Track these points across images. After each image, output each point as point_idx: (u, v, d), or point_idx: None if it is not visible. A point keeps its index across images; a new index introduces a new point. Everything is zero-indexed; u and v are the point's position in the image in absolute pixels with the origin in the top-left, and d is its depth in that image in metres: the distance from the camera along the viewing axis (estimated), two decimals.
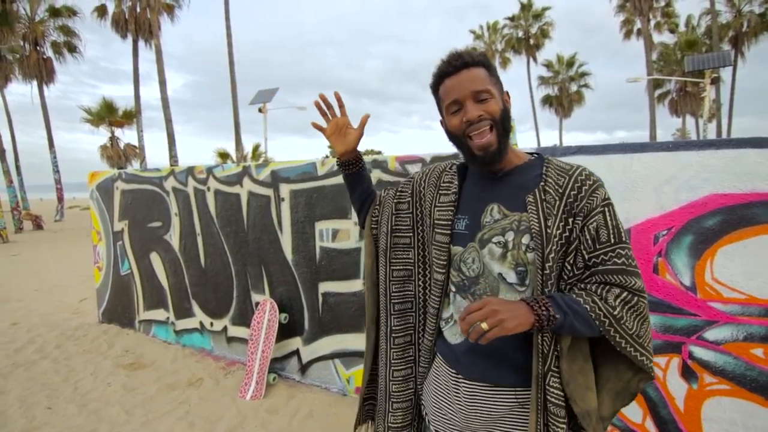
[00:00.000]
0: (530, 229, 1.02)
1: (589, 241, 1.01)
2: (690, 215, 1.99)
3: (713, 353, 1.99)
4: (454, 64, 1.06)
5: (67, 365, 3.77)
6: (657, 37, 25.64)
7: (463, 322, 0.92)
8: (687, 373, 2.05)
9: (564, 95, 29.07)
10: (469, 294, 1.09)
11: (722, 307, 1.96)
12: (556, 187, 1.04)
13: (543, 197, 1.03)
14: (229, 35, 20.25)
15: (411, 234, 1.24)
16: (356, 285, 3.01)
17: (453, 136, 1.11)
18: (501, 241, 1.05)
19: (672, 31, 25.96)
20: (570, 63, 29.14)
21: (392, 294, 1.24)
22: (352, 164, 1.30)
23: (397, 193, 1.29)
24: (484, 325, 0.89)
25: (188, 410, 2.99)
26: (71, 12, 20.00)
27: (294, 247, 3.29)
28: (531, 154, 1.15)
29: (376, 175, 2.87)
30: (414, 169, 2.75)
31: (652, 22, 24.69)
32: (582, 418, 1.00)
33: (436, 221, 1.15)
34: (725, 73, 23.13)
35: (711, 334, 1.99)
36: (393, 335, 1.23)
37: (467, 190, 1.16)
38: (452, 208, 1.14)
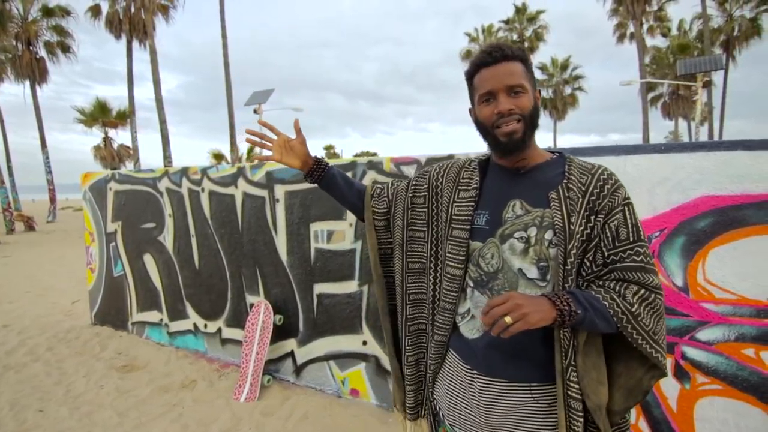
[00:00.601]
0: (553, 225, 1.03)
1: (610, 239, 1.03)
2: (682, 217, 2.01)
3: (705, 353, 2.01)
4: (494, 55, 1.07)
5: (59, 368, 3.73)
6: (650, 41, 25.92)
7: (485, 317, 0.92)
8: (680, 374, 2.07)
9: (558, 98, 29.24)
10: (487, 289, 1.10)
11: (714, 308, 1.98)
12: (579, 185, 1.06)
13: (566, 194, 1.05)
14: (224, 36, 20.20)
15: (425, 228, 1.25)
16: (351, 286, 3.01)
17: (481, 126, 1.12)
18: (523, 237, 1.05)
19: (664, 35, 26.24)
20: (564, 66, 29.33)
21: (407, 285, 1.27)
22: (315, 170, 1.31)
23: (412, 187, 1.30)
24: (508, 319, 0.89)
25: (182, 413, 2.97)
26: (64, 12, 19.89)
27: (289, 249, 3.28)
28: (552, 152, 1.17)
29: (371, 176, 2.87)
30: (409, 170, 2.76)
31: (645, 26, 24.93)
32: (594, 412, 1.02)
33: (454, 217, 1.15)
34: (717, 77, 23.40)
35: (703, 335, 2.01)
36: (408, 323, 1.28)
37: (488, 186, 1.16)
38: (472, 204, 1.14)
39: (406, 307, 1.28)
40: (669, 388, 2.09)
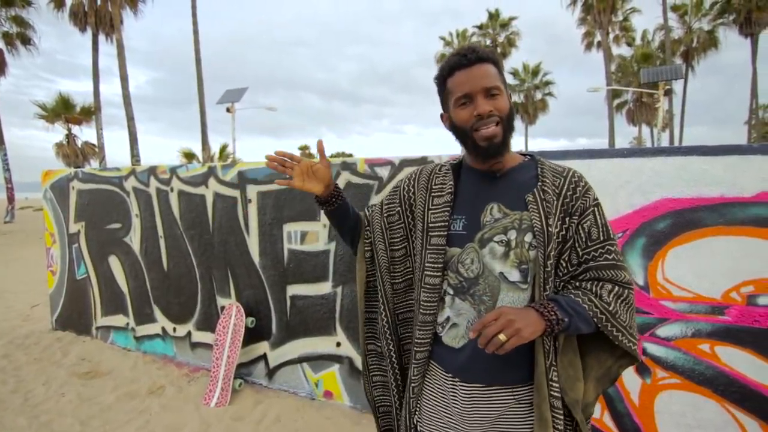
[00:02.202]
0: (532, 227, 1.04)
1: (583, 239, 1.07)
2: (643, 219, 2.11)
3: (665, 349, 2.11)
4: (468, 58, 1.06)
5: (15, 375, 3.55)
6: (616, 50, 26.90)
7: (481, 338, 0.92)
8: (641, 369, 2.16)
9: (529, 103, 29.96)
10: (468, 295, 1.09)
11: (672, 305, 2.08)
12: (553, 187, 1.08)
13: (543, 197, 1.06)
14: (195, 31, 19.73)
15: (406, 244, 1.23)
16: (325, 288, 2.99)
17: (457, 129, 1.10)
18: (503, 240, 1.06)
19: (629, 44, 27.30)
20: (535, 72, 30.07)
21: (397, 305, 1.24)
22: (333, 197, 1.22)
23: (385, 207, 1.26)
24: (502, 337, 0.90)
25: (149, 419, 2.88)
26: (25, 2, 18.95)
27: (261, 250, 3.24)
28: (523, 155, 1.18)
29: (345, 177, 2.87)
30: (383, 171, 2.77)
31: (611, 36, 25.87)
32: (572, 407, 1.06)
33: (430, 224, 1.13)
34: (677, 86, 24.56)
35: (662, 331, 2.10)
36: (403, 342, 1.25)
37: (463, 190, 1.15)
38: (448, 209, 1.12)
39: (397, 327, 1.25)
40: (631, 382, 2.18)
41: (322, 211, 2.88)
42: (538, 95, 30.36)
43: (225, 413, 2.93)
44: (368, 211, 1.31)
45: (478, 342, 0.93)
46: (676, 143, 24.58)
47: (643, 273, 2.12)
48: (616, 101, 27.28)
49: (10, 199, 20.29)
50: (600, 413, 2.25)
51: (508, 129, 1.08)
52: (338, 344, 2.96)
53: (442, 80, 1.12)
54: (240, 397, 3.14)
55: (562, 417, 1.03)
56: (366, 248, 1.28)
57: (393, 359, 1.24)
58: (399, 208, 1.24)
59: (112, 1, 18.26)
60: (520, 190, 1.09)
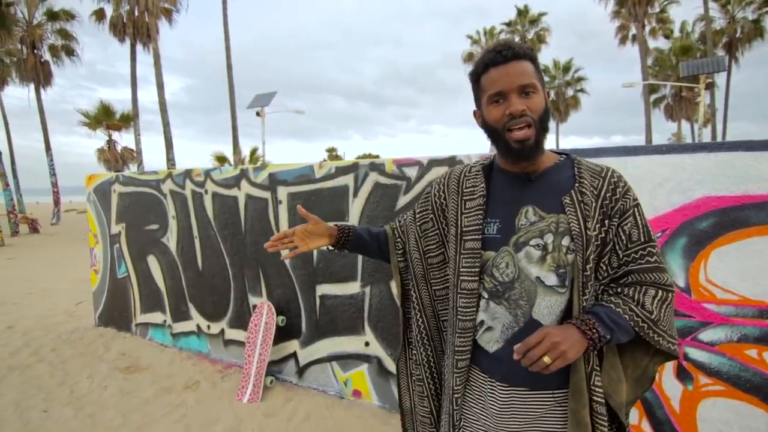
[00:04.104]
0: (570, 230, 1.01)
1: (624, 241, 1.04)
2: (683, 217, 2.02)
3: (708, 354, 2.01)
4: (504, 54, 1.02)
5: (62, 369, 3.75)
6: (652, 43, 25.88)
7: (524, 359, 0.91)
8: (682, 375, 2.06)
9: (560, 100, 29.25)
10: (504, 300, 1.06)
11: (716, 309, 1.98)
12: (592, 188, 1.04)
13: (580, 198, 1.03)
14: (227, 39, 20.30)
15: (443, 250, 1.22)
16: (354, 287, 3.01)
17: (490, 128, 1.07)
18: (540, 244, 1.03)
19: (667, 37, 26.20)
20: (566, 68, 29.34)
21: (439, 312, 1.25)
22: (342, 237, 1.29)
23: (418, 215, 1.26)
24: (547, 359, 0.90)
25: (184, 413, 2.98)
26: (69, 15, 20.03)
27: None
28: (559, 154, 1.14)
29: (373, 178, 2.88)
30: (411, 172, 2.77)
31: (647, 28, 24.91)
32: (618, 410, 1.03)
33: (464, 228, 1.10)
34: (720, 79, 23.33)
35: (705, 336, 2.00)
36: (449, 350, 1.22)
37: (495, 192, 1.12)
38: (481, 212, 1.09)
39: (439, 333, 1.26)
40: (672, 389, 2.09)
41: (351, 211, 2.89)
42: (570, 92, 29.59)
43: (257, 409, 3.00)
44: (399, 221, 1.33)
45: (521, 362, 0.92)
46: (719, 139, 23.37)
47: (684, 274, 2.03)
48: (654, 96, 26.25)
49: (56, 202, 21.47)
50: (638, 419, 2.17)
51: (541, 130, 1.03)
52: (367, 344, 2.98)
53: (476, 77, 1.09)
54: (271, 394, 3.20)
55: (606, 423, 1.00)
56: (399, 259, 1.30)
57: (431, 365, 1.25)
58: (432, 215, 1.23)
59: (149, 12, 19.05)
60: (556, 191, 1.05)
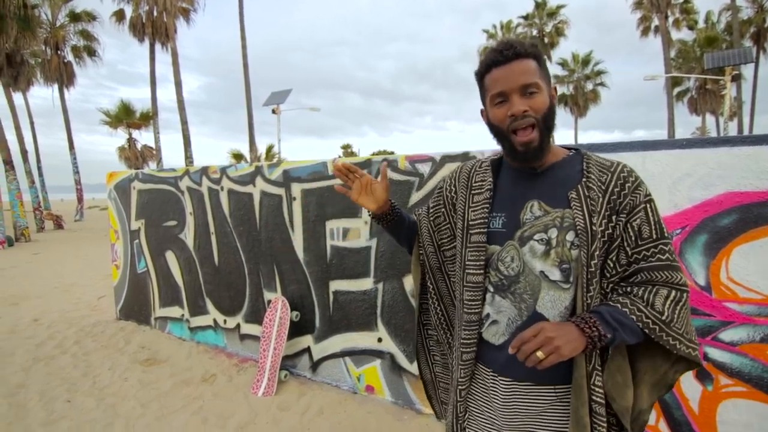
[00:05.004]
0: (575, 225, 1.00)
1: (633, 238, 1.01)
2: (705, 214, 1.96)
3: (729, 354, 1.95)
4: (505, 54, 1.02)
5: (85, 360, 3.87)
6: (675, 34, 25.14)
7: (518, 353, 0.92)
8: (701, 375, 2.01)
9: (579, 94, 28.67)
10: (509, 293, 1.07)
11: (738, 308, 1.92)
12: (599, 183, 1.03)
13: (587, 193, 1.02)
14: (243, 38, 20.50)
15: (455, 243, 1.22)
16: (367, 284, 3.02)
17: (494, 129, 1.07)
18: (544, 239, 1.03)
19: (691, 28, 25.40)
20: (586, 61, 28.73)
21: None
22: (387, 215, 1.26)
23: (431, 210, 1.28)
24: (540, 354, 0.89)
25: (201, 406, 3.04)
26: (90, 17, 20.49)
27: (305, 246, 3.32)
28: (569, 149, 1.13)
29: None
30: (423, 168, 2.75)
31: (670, 19, 24.20)
32: (621, 415, 1.01)
33: (470, 222, 1.12)
34: (747, 70, 22.56)
35: (727, 335, 1.95)
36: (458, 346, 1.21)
37: (502, 187, 1.12)
38: (487, 206, 1.10)
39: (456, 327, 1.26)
40: (691, 389, 2.04)
41: (363, 209, 2.88)
42: (589, 86, 29.00)
43: (272, 403, 3.04)
44: (417, 213, 1.35)
45: (518, 357, 0.93)
46: (746, 133, 22.62)
47: (705, 272, 1.97)
48: (677, 90, 25.53)
49: (80, 199, 22.07)
50: (655, 420, 2.12)
51: (545, 130, 1.03)
52: (379, 340, 2.99)
53: (480, 77, 1.10)
54: (285, 387, 3.24)
55: (605, 424, 0.98)
56: (420, 251, 1.32)
57: (450, 344, 1.31)
58: (444, 210, 1.25)
59: (167, 12, 19.36)
60: (562, 186, 1.04)
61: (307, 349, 3.39)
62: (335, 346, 3.22)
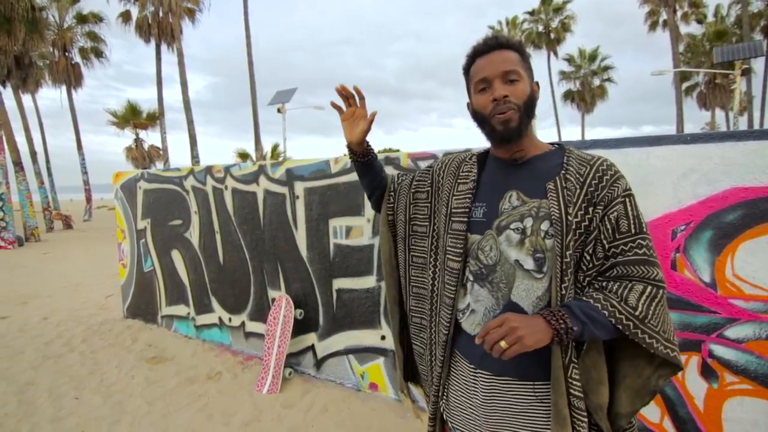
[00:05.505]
0: (550, 215, 1.01)
1: (610, 231, 1.01)
2: (709, 210, 1.94)
3: (735, 352, 1.93)
4: (488, 44, 1.08)
5: (93, 358, 3.91)
6: (684, 28, 24.82)
7: (485, 343, 0.92)
8: (707, 372, 1.99)
9: (586, 90, 28.44)
10: (488, 282, 1.08)
11: (744, 305, 1.90)
12: (577, 175, 1.04)
13: (564, 185, 1.03)
14: (248, 37, 20.56)
15: (427, 223, 1.26)
16: (369, 282, 3.03)
17: (478, 116, 1.10)
18: (519, 227, 1.04)
19: (700, 22, 25.07)
20: (592, 57, 28.48)
21: (411, 278, 1.31)
22: (358, 154, 1.30)
23: (414, 183, 1.31)
24: (503, 344, 0.90)
25: (207, 403, 3.07)
26: (97, 18, 20.66)
27: (309, 244, 3.33)
28: (552, 144, 1.16)
29: (388, 171, 2.86)
30: (426, 165, 2.75)
31: (679, 13, 23.90)
32: (594, 412, 1.00)
33: (453, 210, 1.15)
34: (757, 64, 22.22)
35: (732, 332, 1.93)
36: (411, 314, 1.32)
37: (486, 179, 1.16)
38: (470, 196, 1.14)
39: (410, 299, 1.32)
40: (695, 387, 2.02)
41: (366, 205, 2.89)
42: (596, 82, 28.75)
43: (276, 400, 3.06)
44: (397, 179, 1.37)
45: (484, 347, 0.94)
46: (757, 128, 22.29)
47: (710, 269, 1.95)
48: (685, 84, 25.22)
49: (88, 199, 22.30)
50: (660, 417, 2.11)
51: (525, 115, 1.06)
52: (383, 337, 2.99)
53: (466, 70, 1.15)
54: (290, 385, 3.26)
55: (586, 420, 0.98)
56: (388, 213, 1.35)
57: (396, 321, 1.37)
58: (429, 189, 1.28)
59: (173, 12, 19.47)
60: (541, 178, 1.06)
61: (311, 347, 3.40)
62: (339, 343, 3.23)
